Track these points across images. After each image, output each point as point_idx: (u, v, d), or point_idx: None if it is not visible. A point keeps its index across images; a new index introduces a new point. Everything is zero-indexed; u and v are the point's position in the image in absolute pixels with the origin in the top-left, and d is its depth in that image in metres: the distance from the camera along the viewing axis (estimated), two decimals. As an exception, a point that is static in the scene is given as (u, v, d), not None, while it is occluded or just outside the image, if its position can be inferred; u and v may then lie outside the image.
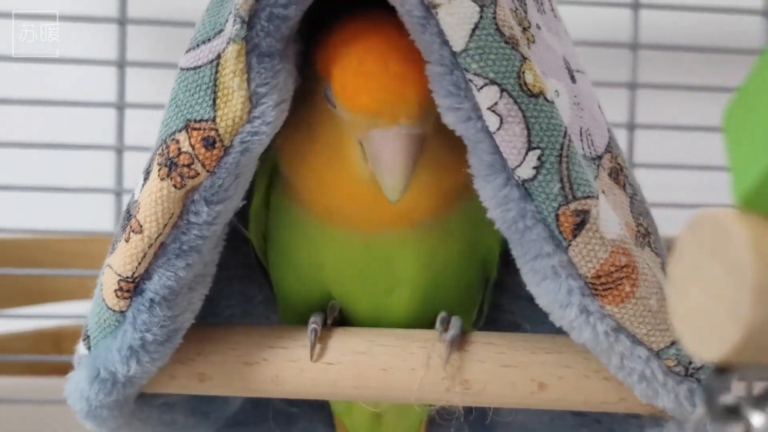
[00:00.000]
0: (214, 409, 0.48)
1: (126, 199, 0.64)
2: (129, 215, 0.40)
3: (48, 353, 0.70)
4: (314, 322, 0.42)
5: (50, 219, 0.66)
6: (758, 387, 0.34)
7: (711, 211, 0.26)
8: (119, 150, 0.65)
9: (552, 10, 0.43)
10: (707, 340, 0.26)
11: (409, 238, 0.42)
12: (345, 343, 0.42)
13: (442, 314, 0.43)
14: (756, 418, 0.27)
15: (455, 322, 0.42)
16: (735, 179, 0.26)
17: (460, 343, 0.41)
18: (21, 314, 0.70)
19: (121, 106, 0.64)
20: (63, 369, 0.70)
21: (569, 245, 0.38)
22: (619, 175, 0.41)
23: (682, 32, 0.72)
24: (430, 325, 0.43)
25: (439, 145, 0.39)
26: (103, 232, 0.66)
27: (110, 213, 0.65)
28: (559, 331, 0.41)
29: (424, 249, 0.42)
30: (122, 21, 0.64)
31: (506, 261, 0.49)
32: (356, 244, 0.42)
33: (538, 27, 0.40)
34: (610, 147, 0.42)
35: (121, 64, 0.64)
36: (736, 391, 0.29)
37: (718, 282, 0.26)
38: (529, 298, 0.50)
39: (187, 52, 0.39)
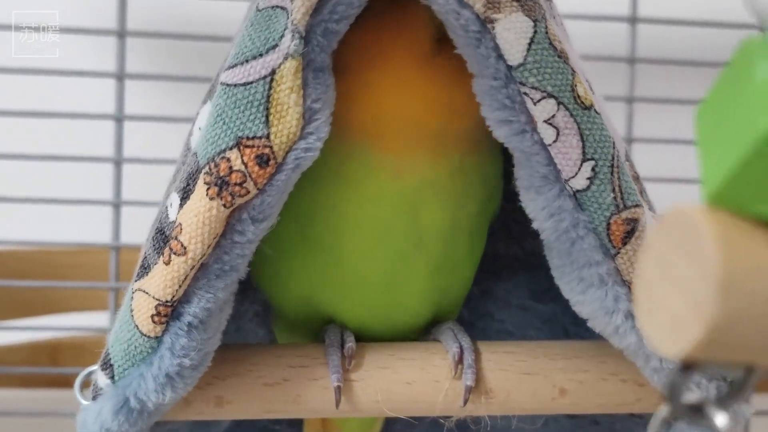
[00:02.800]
0: (208, 430, 0.48)
1: (125, 211, 0.65)
2: (165, 237, 0.39)
3: (44, 365, 0.70)
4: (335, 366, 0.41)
5: (48, 231, 0.66)
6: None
7: (679, 205, 0.26)
8: (118, 162, 0.65)
9: (562, 23, 0.43)
10: (672, 336, 0.26)
11: (437, 180, 0.41)
12: (367, 359, 0.42)
13: (449, 328, 0.43)
14: (719, 418, 0.27)
15: (466, 342, 0.42)
16: (704, 175, 0.27)
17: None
18: (17, 326, 0.69)
19: (119, 118, 0.64)
20: (59, 381, 0.70)
21: (618, 253, 0.39)
22: (637, 183, 0.42)
23: (679, 46, 0.72)
24: (436, 309, 0.44)
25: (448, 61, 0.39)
26: (100, 244, 0.66)
27: (108, 225, 0.65)
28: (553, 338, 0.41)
29: (451, 196, 0.42)
30: (121, 33, 0.64)
31: (495, 271, 0.50)
32: (388, 185, 0.41)
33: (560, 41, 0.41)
34: (628, 156, 0.43)
35: (120, 77, 0.64)
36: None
37: (684, 276, 0.26)
38: (521, 307, 0.51)
39: (231, 67, 0.39)
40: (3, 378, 0.69)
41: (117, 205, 0.65)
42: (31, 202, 0.65)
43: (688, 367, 0.27)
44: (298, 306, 0.45)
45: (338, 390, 0.41)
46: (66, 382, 0.70)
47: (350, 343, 0.41)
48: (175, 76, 0.68)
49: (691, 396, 0.28)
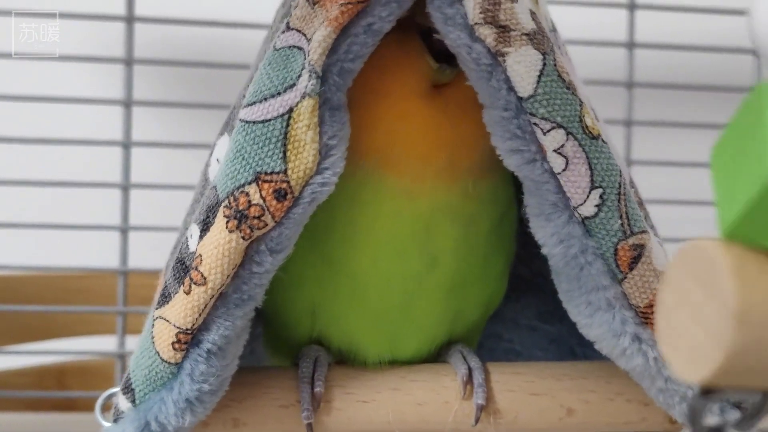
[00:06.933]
0: None
1: (132, 236, 0.66)
2: (186, 267, 0.40)
3: (51, 389, 0.71)
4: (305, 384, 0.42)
5: (56, 256, 0.67)
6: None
7: (697, 240, 0.28)
8: (125, 188, 0.65)
9: (566, 53, 0.44)
10: (692, 363, 0.27)
11: (450, 202, 0.42)
12: (378, 380, 0.43)
13: (458, 350, 0.44)
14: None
15: (475, 362, 0.43)
16: (720, 211, 0.28)
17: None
18: (24, 350, 0.70)
19: (127, 145, 0.65)
20: (66, 405, 0.71)
21: (624, 278, 0.40)
22: (642, 208, 0.43)
23: (676, 71, 0.73)
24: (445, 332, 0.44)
25: (464, 99, 0.40)
26: (108, 269, 0.66)
27: (115, 250, 0.66)
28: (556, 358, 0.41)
29: (464, 216, 0.42)
30: (129, 61, 0.65)
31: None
32: (402, 207, 0.41)
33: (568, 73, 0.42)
34: (632, 182, 0.44)
35: (128, 103, 0.65)
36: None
37: (703, 308, 0.27)
38: (529, 327, 0.52)
39: (250, 105, 0.40)
40: (10, 402, 0.69)
41: (124, 230, 0.66)
42: (39, 227, 0.66)
43: (708, 392, 0.28)
44: (299, 319, 0.45)
45: (309, 427, 0.41)
46: (73, 406, 0.70)
47: (319, 387, 0.42)
48: (181, 102, 0.69)
49: (711, 420, 0.29)
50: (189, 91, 0.73)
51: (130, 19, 0.65)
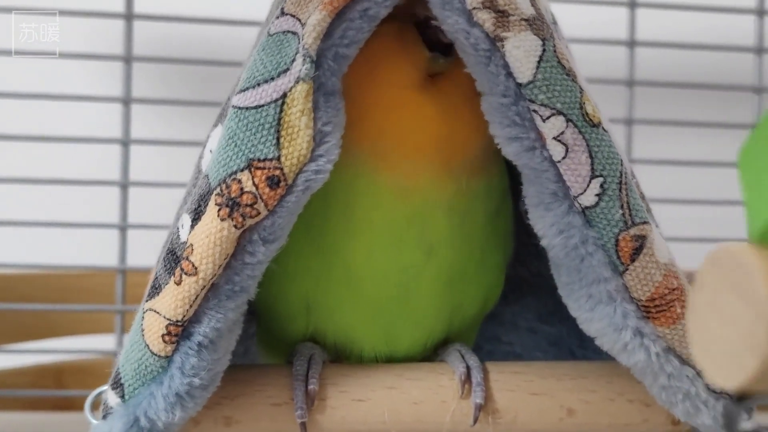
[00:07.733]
0: None
1: (131, 235, 0.65)
2: (176, 257, 0.39)
3: (49, 388, 0.70)
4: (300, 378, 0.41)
5: (55, 254, 0.67)
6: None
7: (729, 245, 0.27)
8: (124, 186, 0.65)
9: (567, 46, 0.44)
10: (726, 369, 0.27)
11: (443, 198, 0.41)
12: (374, 378, 0.42)
13: (456, 349, 0.43)
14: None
15: (474, 361, 0.42)
16: (750, 216, 0.27)
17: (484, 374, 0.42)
18: (23, 349, 0.70)
19: (126, 142, 0.65)
20: (64, 404, 0.71)
21: (626, 270, 0.39)
22: (643, 201, 0.42)
23: (677, 69, 0.73)
24: (442, 328, 0.44)
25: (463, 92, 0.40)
26: (107, 267, 0.66)
27: (114, 248, 0.65)
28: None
29: (458, 211, 0.42)
30: (128, 59, 0.65)
31: (502, 293, 0.50)
32: (396, 201, 0.41)
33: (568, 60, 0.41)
34: (634, 174, 0.43)
35: (127, 101, 0.65)
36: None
37: (736, 313, 0.27)
38: (529, 329, 0.51)
39: (243, 90, 0.39)
40: (9, 401, 0.69)
41: (123, 228, 0.65)
42: (38, 225, 0.66)
43: (742, 397, 0.28)
44: (294, 314, 0.44)
45: (303, 426, 0.41)
46: (71, 405, 0.70)
47: (313, 385, 0.41)
48: (180, 100, 0.69)
49: (746, 425, 0.29)
50: (188, 88, 0.73)
51: (129, 17, 0.65)
